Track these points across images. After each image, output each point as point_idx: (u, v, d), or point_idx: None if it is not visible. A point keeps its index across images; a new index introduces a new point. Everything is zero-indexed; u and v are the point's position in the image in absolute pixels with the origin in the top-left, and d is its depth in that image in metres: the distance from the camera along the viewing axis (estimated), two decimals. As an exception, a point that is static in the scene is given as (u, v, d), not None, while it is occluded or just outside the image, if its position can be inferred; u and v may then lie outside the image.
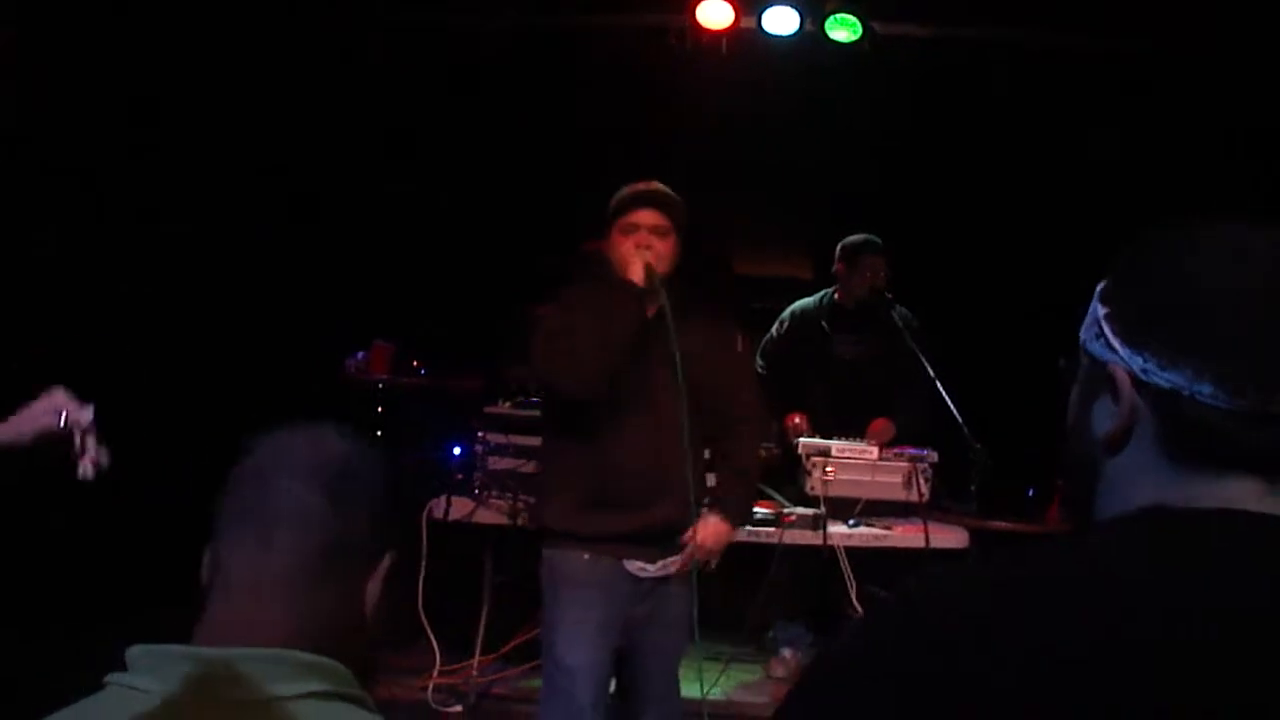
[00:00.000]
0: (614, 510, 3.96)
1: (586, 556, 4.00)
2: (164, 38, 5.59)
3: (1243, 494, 1.17)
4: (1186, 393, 1.17)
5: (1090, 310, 1.29)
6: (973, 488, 5.40)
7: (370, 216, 7.38)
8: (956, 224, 7.18)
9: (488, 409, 5.95)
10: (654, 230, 4.04)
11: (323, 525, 1.45)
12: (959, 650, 1.10)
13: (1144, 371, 1.21)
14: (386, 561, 1.51)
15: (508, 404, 5.98)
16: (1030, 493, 5.69)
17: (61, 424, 2.34)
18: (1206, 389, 1.16)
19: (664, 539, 4.02)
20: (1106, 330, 1.25)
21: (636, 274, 3.94)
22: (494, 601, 5.71)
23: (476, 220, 7.49)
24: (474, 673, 5.57)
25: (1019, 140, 6.81)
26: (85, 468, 2.34)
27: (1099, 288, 1.29)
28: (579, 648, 3.96)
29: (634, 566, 4.01)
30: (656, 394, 3.93)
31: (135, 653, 1.39)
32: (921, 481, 5.43)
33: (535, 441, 5.60)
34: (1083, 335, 1.30)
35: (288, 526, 1.45)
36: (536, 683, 5.69)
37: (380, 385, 7.15)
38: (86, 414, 2.37)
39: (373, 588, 1.50)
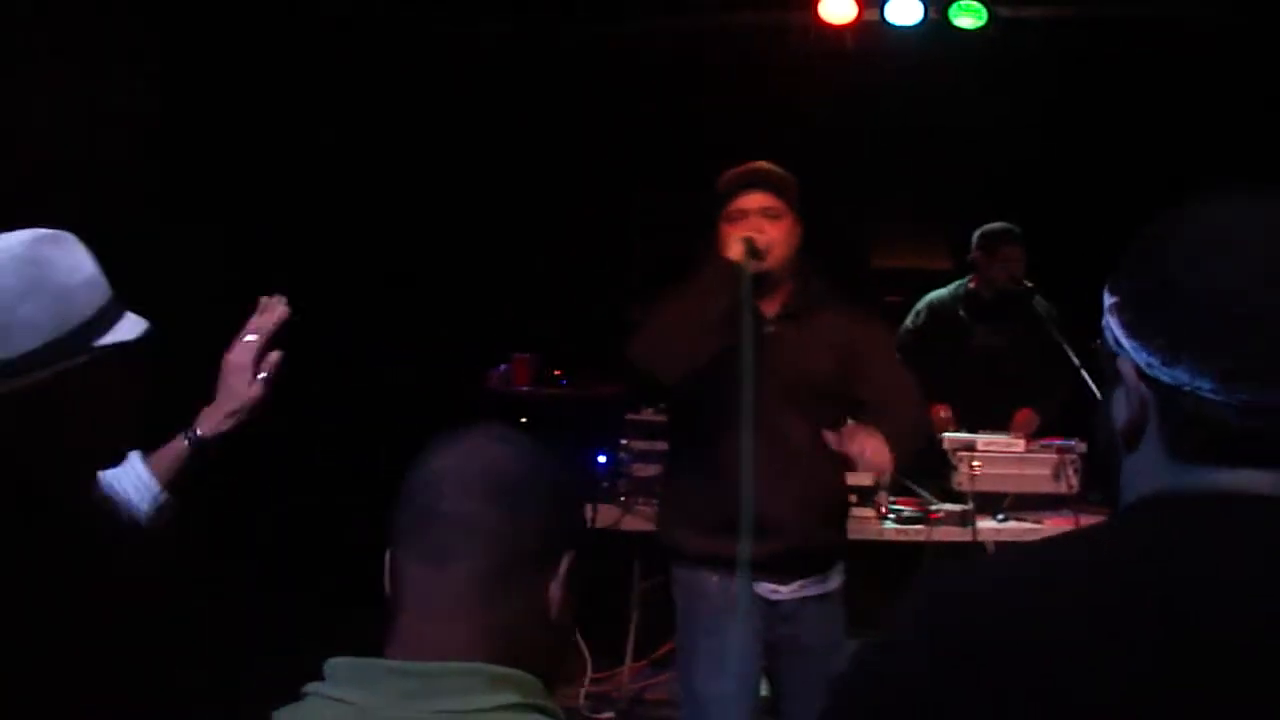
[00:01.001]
0: (734, 533, 3.55)
1: (716, 579, 3.73)
2: (301, 45, 5.72)
3: (1253, 487, 1.16)
4: (1188, 388, 1.16)
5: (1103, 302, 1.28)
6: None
7: (508, 229, 7.47)
8: (1094, 209, 7.04)
9: (630, 416, 5.97)
10: (764, 213, 3.67)
11: (497, 536, 1.46)
12: (965, 643, 1.14)
13: (1149, 366, 1.20)
14: (566, 562, 1.51)
15: (650, 410, 5.99)
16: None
17: (264, 377, 2.49)
18: (1207, 384, 1.15)
19: (795, 563, 3.73)
20: (1113, 323, 1.24)
21: (734, 251, 3.59)
22: (643, 608, 5.75)
23: (612, 227, 7.53)
24: (625, 679, 5.61)
25: (1156, 120, 6.67)
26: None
27: (1110, 279, 1.28)
28: (714, 675, 3.71)
29: (765, 589, 3.73)
30: (775, 411, 3.61)
31: (336, 664, 1.43)
32: (1071, 472, 5.32)
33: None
34: (1102, 324, 1.29)
35: (463, 540, 1.46)
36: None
37: (523, 396, 7.24)
38: (274, 356, 2.50)
39: (555, 590, 1.51)
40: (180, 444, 2.43)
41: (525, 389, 7.36)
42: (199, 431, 2.45)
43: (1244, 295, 1.14)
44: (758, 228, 3.65)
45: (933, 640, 1.15)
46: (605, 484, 5.83)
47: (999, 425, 5.65)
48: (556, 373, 7.53)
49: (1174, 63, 6.51)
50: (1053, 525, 5.32)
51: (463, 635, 1.44)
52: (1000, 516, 5.39)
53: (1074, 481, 5.32)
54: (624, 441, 5.86)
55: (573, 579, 1.52)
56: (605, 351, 7.14)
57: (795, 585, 3.74)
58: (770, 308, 3.75)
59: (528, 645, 1.48)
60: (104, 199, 4.09)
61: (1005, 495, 5.44)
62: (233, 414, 2.46)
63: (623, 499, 5.68)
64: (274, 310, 2.55)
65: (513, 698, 1.40)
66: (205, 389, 2.49)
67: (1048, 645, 1.09)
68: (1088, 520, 5.19)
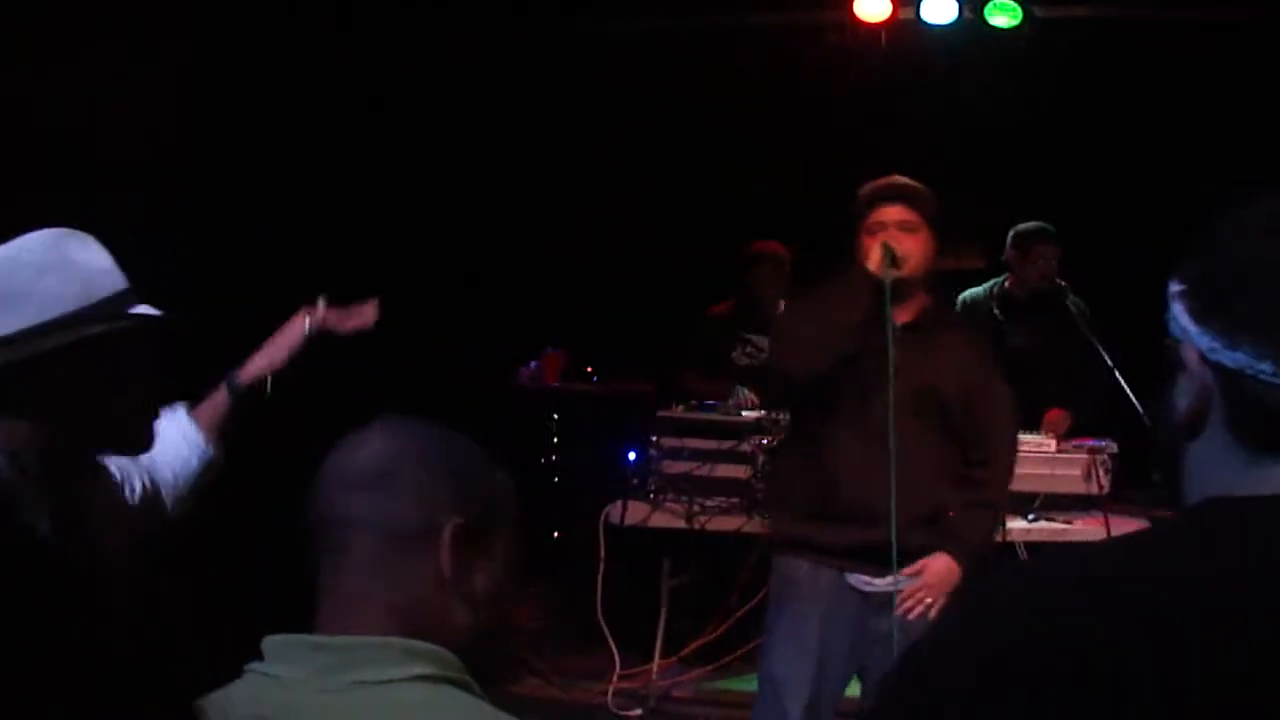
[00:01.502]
0: (835, 522, 3.79)
1: (807, 566, 3.87)
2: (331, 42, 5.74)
3: None
4: (1250, 372, 1.15)
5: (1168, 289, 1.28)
6: (1155, 478, 5.27)
7: (540, 225, 7.48)
8: (1129, 209, 7.02)
9: (661, 413, 5.97)
10: (901, 226, 3.82)
11: (370, 520, 1.53)
12: (1020, 648, 1.11)
13: (1211, 350, 1.18)
14: (449, 530, 1.53)
15: (680, 407, 6.00)
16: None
17: (307, 328, 2.63)
18: (1268, 368, 1.13)
19: (888, 555, 3.71)
20: (1177, 309, 1.23)
21: (873, 260, 3.75)
22: (672, 605, 5.75)
23: (643, 224, 7.53)
24: (653, 676, 5.61)
25: (1191, 120, 6.63)
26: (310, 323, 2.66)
27: (1177, 266, 1.27)
28: (789, 660, 3.83)
29: (857, 580, 3.83)
30: (885, 408, 3.68)
31: (269, 643, 1.51)
32: (1101, 473, 5.30)
33: (709, 444, 5.70)
34: (1167, 314, 1.28)
35: (345, 533, 1.53)
36: (716, 684, 5.76)
37: (553, 393, 7.26)
38: (320, 308, 2.66)
39: (445, 558, 1.54)
40: (220, 395, 2.55)
41: (556, 385, 7.37)
42: (238, 378, 2.57)
43: None
44: (895, 240, 3.78)
45: (992, 641, 1.13)
46: (635, 480, 5.84)
47: (1033, 424, 5.62)
48: (587, 369, 7.55)
49: (1209, 63, 6.48)
50: (1083, 526, 5.30)
51: (372, 618, 1.50)
52: (1030, 516, 5.36)
53: (1105, 482, 5.30)
54: (654, 438, 5.85)
55: (463, 546, 1.55)
56: (636, 347, 7.21)
57: (889, 579, 3.77)
58: (901, 317, 3.86)
59: (437, 619, 1.53)
60: (108, 201, 4.13)
61: (1036, 495, 5.41)
62: (270, 355, 2.60)
63: (651, 495, 5.69)
64: (363, 314, 2.73)
65: (426, 670, 1.46)
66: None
67: (1121, 648, 1.07)
68: (1118, 521, 5.17)
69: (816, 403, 3.90)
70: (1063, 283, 5.75)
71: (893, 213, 3.84)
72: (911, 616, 3.75)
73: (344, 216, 5.82)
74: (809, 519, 3.88)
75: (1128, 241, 6.94)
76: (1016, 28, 6.49)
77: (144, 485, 2.33)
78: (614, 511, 5.63)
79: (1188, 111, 6.65)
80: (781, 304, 6.59)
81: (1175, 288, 1.24)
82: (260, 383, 2.57)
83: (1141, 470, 5.34)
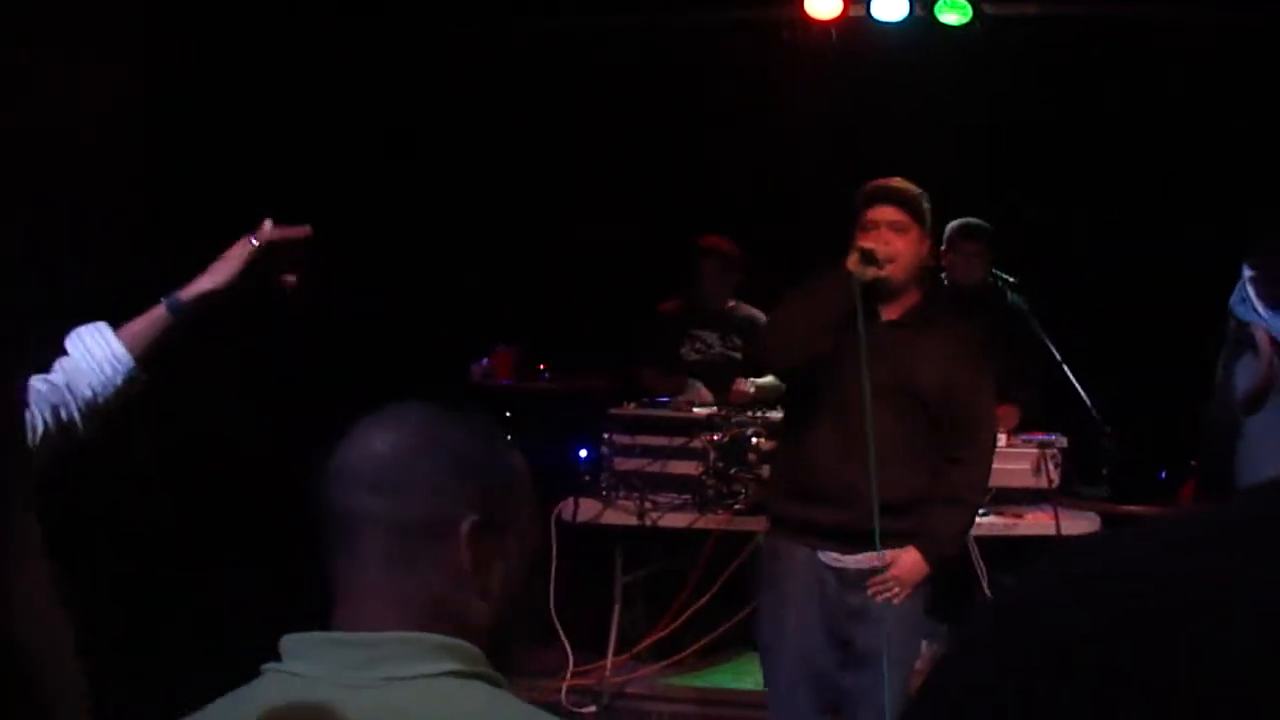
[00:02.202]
0: (812, 503, 4.04)
1: (786, 544, 4.12)
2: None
3: None
4: None
5: (1240, 274, 1.30)
6: (1104, 472, 5.31)
7: (492, 222, 7.46)
8: (1074, 207, 7.07)
9: (613, 410, 5.97)
10: (891, 226, 3.97)
11: (382, 520, 1.50)
12: (1093, 650, 1.04)
13: None
14: (465, 525, 1.50)
15: (633, 405, 6.00)
16: (1162, 475, 5.58)
17: (255, 241, 2.48)
18: None
19: (859, 538, 3.94)
20: (1251, 293, 1.26)
21: (851, 260, 3.90)
22: (625, 601, 5.76)
23: (595, 220, 7.52)
24: (607, 673, 5.61)
25: (1139, 118, 6.68)
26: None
27: (1249, 252, 1.30)
28: (775, 632, 4.12)
29: (828, 557, 4.05)
30: (862, 398, 3.84)
31: (288, 641, 1.48)
32: (1051, 467, 5.34)
33: (662, 441, 5.73)
34: (1231, 300, 1.30)
35: (357, 532, 1.51)
36: (670, 680, 5.77)
37: (505, 390, 7.23)
38: (267, 225, 2.50)
39: (463, 553, 1.51)
40: (158, 311, 2.41)
41: (507, 382, 7.34)
42: (178, 296, 2.42)
43: None
44: (885, 239, 3.95)
45: (1036, 640, 1.08)
46: (587, 477, 5.84)
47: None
48: (539, 366, 7.52)
49: (1157, 61, 6.54)
50: (1032, 519, 5.34)
51: (389, 614, 1.47)
52: (980, 510, 5.38)
53: (1054, 476, 5.34)
54: (606, 435, 5.85)
55: (482, 541, 1.51)
56: (588, 344, 7.20)
57: (859, 557, 4.01)
58: (891, 313, 4.08)
59: (458, 615, 1.50)
60: (99, 201, 4.10)
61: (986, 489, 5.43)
62: (213, 273, 2.45)
63: (604, 493, 5.69)
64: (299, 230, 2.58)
65: (455, 665, 1.44)
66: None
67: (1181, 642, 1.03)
68: (1067, 515, 5.21)
69: (800, 391, 4.17)
70: (1011, 278, 5.77)
71: (885, 213, 3.99)
72: (878, 601, 3.98)
73: (296, 211, 5.79)
74: (789, 499, 4.15)
75: (1078, 237, 7.00)
76: (967, 25, 6.53)
77: (48, 420, 2.24)
78: (566, 508, 5.63)
79: (1138, 107, 6.71)
80: (730, 300, 6.62)
81: (1249, 273, 1.26)
82: (201, 302, 2.42)
83: (1090, 464, 5.38)
